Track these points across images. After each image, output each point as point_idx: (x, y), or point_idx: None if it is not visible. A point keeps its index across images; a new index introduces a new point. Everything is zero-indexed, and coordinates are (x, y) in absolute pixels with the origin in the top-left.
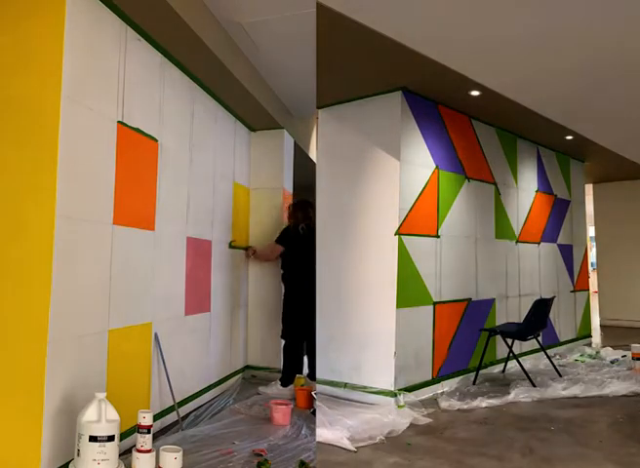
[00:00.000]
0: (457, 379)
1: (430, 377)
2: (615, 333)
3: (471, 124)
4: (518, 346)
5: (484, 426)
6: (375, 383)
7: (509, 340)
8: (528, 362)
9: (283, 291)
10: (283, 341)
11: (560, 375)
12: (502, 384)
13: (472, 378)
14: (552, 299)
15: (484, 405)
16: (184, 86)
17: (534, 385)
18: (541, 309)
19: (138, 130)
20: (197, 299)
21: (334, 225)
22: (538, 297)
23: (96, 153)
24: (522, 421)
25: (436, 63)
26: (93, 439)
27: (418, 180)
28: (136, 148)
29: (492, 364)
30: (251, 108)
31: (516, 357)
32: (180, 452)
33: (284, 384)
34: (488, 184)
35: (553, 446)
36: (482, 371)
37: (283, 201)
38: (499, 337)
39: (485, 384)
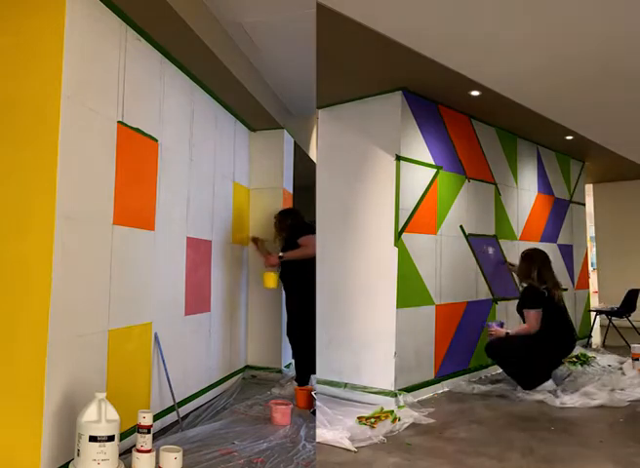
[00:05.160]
0: (456, 379)
1: (430, 377)
2: (614, 333)
3: (471, 124)
4: None
5: (484, 426)
6: (375, 383)
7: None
8: None
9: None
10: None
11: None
12: None
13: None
14: None
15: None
16: (184, 86)
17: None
18: (633, 296)
19: (138, 130)
20: (197, 299)
21: (334, 225)
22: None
23: (96, 153)
24: (522, 421)
25: (436, 63)
26: (93, 439)
27: (418, 180)
28: (136, 148)
29: (492, 363)
30: (251, 108)
31: (615, 327)
32: (180, 452)
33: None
34: (488, 184)
35: (553, 446)
36: (482, 374)
37: (283, 201)
38: None
39: None
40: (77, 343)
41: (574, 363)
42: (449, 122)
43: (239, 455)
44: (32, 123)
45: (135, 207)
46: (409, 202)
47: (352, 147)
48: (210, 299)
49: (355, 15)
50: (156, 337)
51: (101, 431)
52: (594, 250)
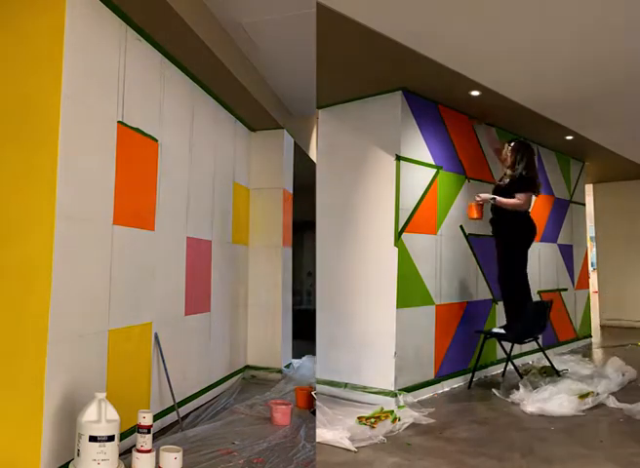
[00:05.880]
0: (456, 379)
1: (430, 377)
2: (615, 334)
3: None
4: (518, 346)
5: (484, 426)
6: (375, 383)
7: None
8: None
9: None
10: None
11: (559, 375)
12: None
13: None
14: (551, 302)
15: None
16: (184, 86)
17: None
18: (540, 312)
19: (138, 130)
20: (197, 299)
21: (334, 225)
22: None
23: (96, 153)
24: (522, 421)
25: (436, 63)
26: (93, 439)
27: (418, 180)
28: (136, 148)
29: (492, 364)
30: (251, 108)
31: (511, 361)
32: (180, 452)
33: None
34: (488, 184)
35: (553, 446)
36: (482, 374)
37: (283, 201)
38: None
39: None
40: (77, 343)
41: (544, 374)
42: (449, 122)
43: (239, 455)
44: (32, 123)
45: (135, 207)
46: (409, 202)
47: (352, 147)
48: (210, 299)
49: (355, 15)
50: (156, 337)
51: (101, 431)
52: (594, 250)
